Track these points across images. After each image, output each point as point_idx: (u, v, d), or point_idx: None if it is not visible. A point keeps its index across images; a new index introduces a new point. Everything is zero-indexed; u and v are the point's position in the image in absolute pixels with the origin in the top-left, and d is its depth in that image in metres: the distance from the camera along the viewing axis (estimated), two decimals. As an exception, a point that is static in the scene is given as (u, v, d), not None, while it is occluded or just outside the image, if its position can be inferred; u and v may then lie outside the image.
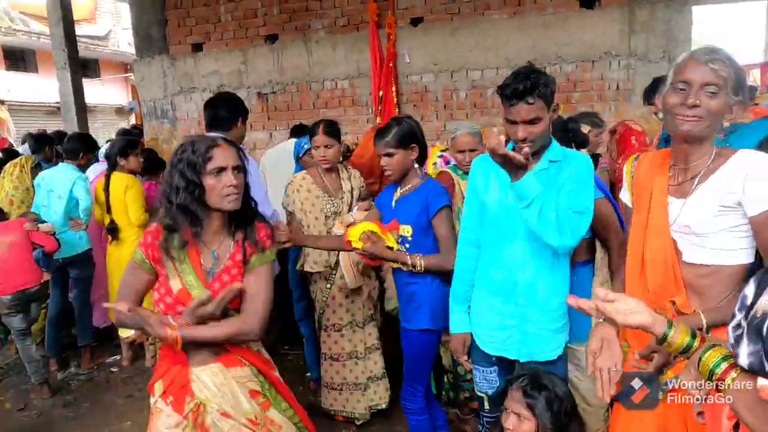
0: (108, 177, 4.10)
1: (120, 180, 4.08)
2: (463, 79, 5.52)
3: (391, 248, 2.43)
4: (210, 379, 1.81)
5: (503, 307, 2.07)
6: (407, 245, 2.47)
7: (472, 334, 2.23)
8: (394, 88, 5.60)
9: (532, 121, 1.89)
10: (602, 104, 5.12)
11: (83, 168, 4.46)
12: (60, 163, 4.50)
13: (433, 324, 2.47)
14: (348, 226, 2.79)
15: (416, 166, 2.50)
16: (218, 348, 1.83)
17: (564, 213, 1.89)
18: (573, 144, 2.56)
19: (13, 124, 13.86)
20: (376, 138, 2.51)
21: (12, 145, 10.08)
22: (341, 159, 3.38)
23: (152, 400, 1.88)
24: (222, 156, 1.76)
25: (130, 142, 4.36)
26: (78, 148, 4.37)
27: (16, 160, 5.09)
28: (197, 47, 6.43)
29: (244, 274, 1.83)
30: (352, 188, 3.18)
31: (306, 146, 3.54)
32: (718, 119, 1.51)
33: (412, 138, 2.44)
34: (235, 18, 6.24)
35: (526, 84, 1.84)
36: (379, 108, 5.61)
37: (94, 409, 3.81)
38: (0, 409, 3.93)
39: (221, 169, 1.75)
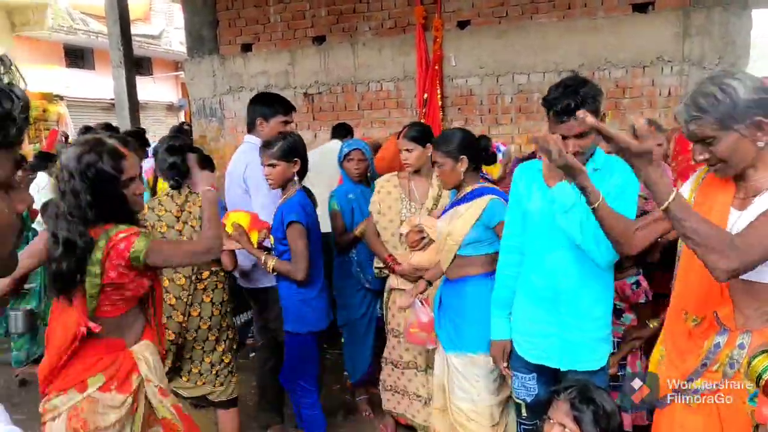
0: (156, 176, 4.20)
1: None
2: (509, 83, 5.44)
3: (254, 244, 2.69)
4: (151, 356, 1.94)
5: (545, 315, 2.06)
6: (272, 250, 2.71)
7: (512, 342, 2.21)
8: (439, 91, 5.58)
9: (581, 135, 1.87)
10: (652, 111, 4.96)
11: None
12: None
13: (292, 327, 2.68)
14: (411, 227, 2.92)
15: (296, 179, 2.68)
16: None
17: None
18: (483, 161, 2.59)
19: (71, 120, 14.41)
20: (261, 148, 2.68)
21: (69, 138, 10.48)
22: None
23: (77, 396, 1.82)
24: (130, 166, 1.83)
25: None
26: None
27: None
28: (246, 47, 6.55)
29: None
30: (439, 194, 3.04)
31: (345, 149, 3.42)
32: (737, 152, 1.49)
33: (295, 152, 2.62)
34: (283, 19, 6.33)
35: (577, 100, 1.82)
36: (424, 111, 5.61)
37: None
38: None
39: (132, 179, 1.84)
